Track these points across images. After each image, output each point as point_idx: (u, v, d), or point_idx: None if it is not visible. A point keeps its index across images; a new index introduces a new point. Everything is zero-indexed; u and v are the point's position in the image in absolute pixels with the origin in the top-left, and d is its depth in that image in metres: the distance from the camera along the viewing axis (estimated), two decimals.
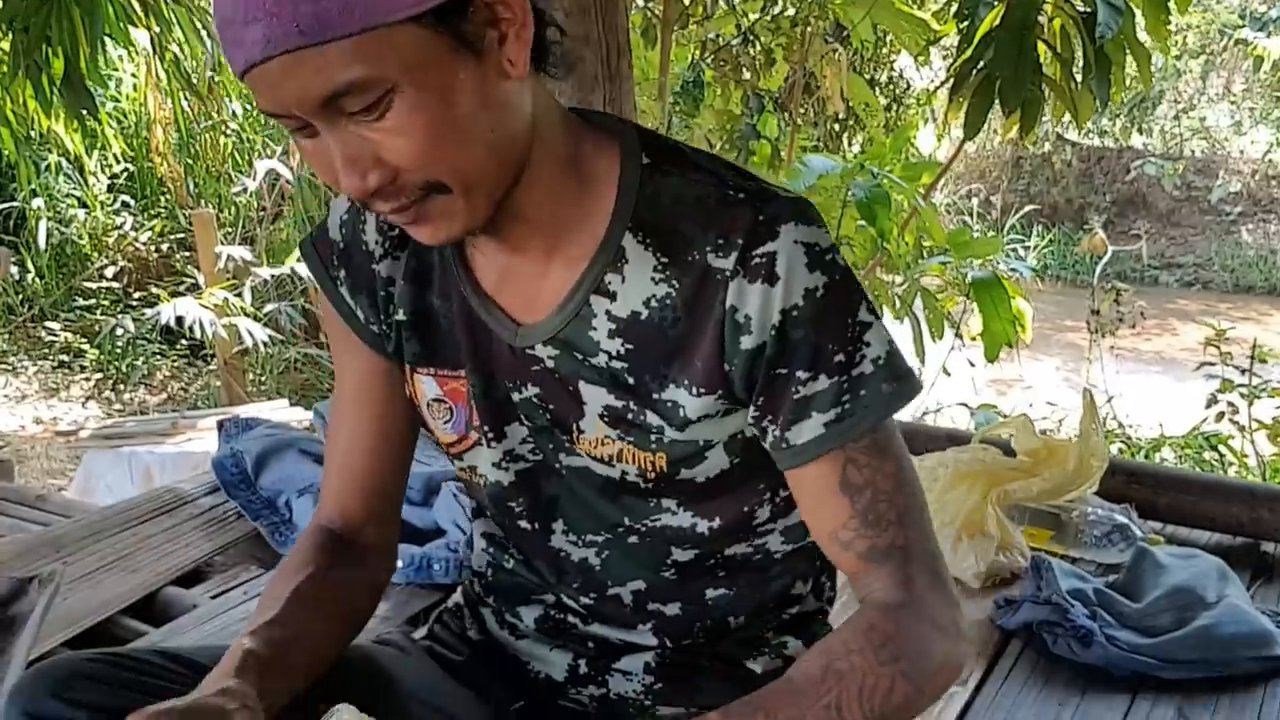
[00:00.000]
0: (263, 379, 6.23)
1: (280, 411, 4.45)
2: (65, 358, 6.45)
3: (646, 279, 0.97)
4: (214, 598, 1.99)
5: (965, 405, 4.47)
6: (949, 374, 4.14)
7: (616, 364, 1.00)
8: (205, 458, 3.73)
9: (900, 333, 3.94)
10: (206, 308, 5.60)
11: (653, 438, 1.01)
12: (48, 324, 6.58)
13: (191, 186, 7.14)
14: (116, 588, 1.96)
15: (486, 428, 1.08)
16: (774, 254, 0.92)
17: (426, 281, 1.07)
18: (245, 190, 6.45)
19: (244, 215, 6.78)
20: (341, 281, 1.11)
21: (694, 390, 0.98)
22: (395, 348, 1.11)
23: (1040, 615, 1.90)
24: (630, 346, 0.98)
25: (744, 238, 0.93)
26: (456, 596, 1.32)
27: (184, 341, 6.35)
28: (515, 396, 1.05)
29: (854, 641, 0.93)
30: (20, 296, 6.73)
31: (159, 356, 6.45)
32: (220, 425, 2.50)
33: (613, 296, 0.98)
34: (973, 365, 4.23)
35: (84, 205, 6.96)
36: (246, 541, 2.18)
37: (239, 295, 5.81)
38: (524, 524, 1.12)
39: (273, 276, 5.96)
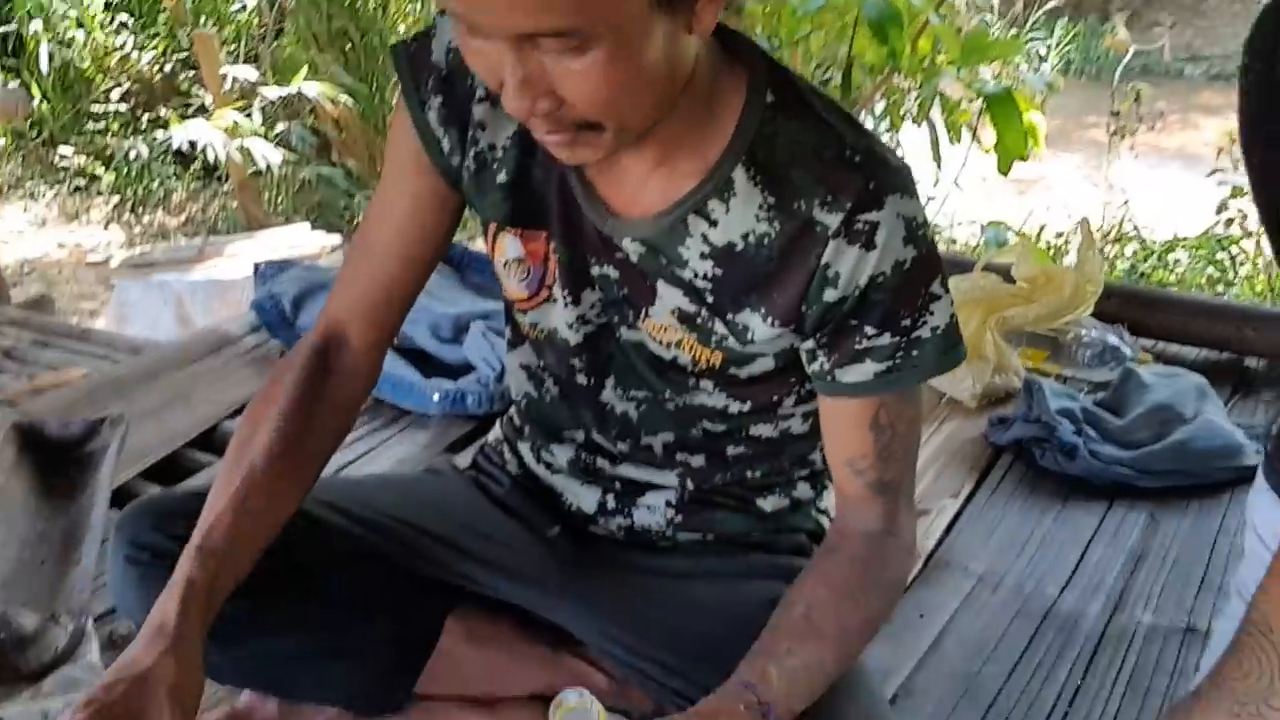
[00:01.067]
0: (279, 199, 6.28)
1: (303, 235, 4.56)
2: (81, 182, 6.49)
3: (750, 215, 1.02)
4: None
5: (975, 223, 4.54)
6: (960, 188, 4.18)
7: (700, 282, 1.06)
8: (233, 285, 3.87)
9: (918, 138, 4.01)
10: (217, 130, 5.62)
11: (714, 339, 1.10)
12: (60, 148, 6.60)
13: (189, 3, 7.02)
14: (179, 423, 2.12)
15: (566, 290, 1.14)
16: (877, 224, 0.98)
17: (532, 145, 1.08)
18: (244, 7, 6.35)
19: (245, 33, 6.69)
20: (432, 106, 1.12)
21: (768, 320, 1.05)
22: (471, 200, 1.15)
23: (1030, 432, 2.07)
24: (719, 272, 1.05)
25: (852, 201, 0.98)
26: (496, 432, 1.44)
27: (197, 164, 6.38)
28: (594, 271, 1.12)
29: (848, 572, 1.09)
30: (28, 121, 6.72)
31: (174, 179, 6.50)
32: (255, 269, 2.61)
33: (713, 222, 1.03)
34: (985, 180, 4.27)
35: (81, 25, 6.86)
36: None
37: (248, 116, 5.81)
38: (580, 378, 1.20)
39: (280, 97, 5.92)
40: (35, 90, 6.66)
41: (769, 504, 1.29)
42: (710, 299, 1.06)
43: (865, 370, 1.04)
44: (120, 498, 1.85)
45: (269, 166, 5.58)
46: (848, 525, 1.13)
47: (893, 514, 1.12)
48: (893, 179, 1.00)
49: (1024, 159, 3.90)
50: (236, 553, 1.06)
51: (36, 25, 6.61)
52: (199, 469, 2.01)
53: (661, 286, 1.08)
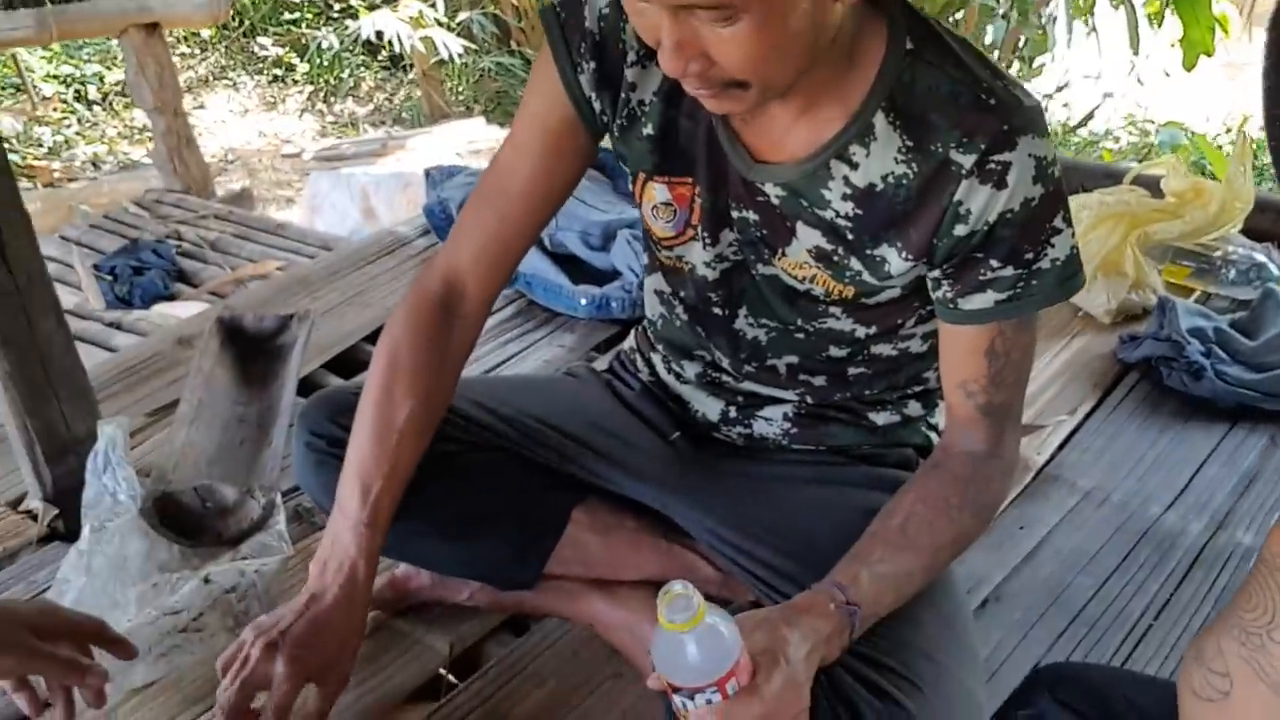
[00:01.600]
0: (459, 88, 6.52)
1: (478, 129, 4.78)
2: (278, 71, 6.89)
3: (890, 158, 1.07)
4: None
5: (1151, 122, 4.37)
6: (1142, 83, 4.02)
7: (841, 221, 1.12)
8: (413, 179, 4.12)
9: (1115, 21, 3.86)
10: (402, 21, 5.85)
11: (848, 275, 1.17)
12: (260, 39, 6.99)
13: None
14: (356, 319, 2.36)
15: (706, 232, 1.22)
16: (1009, 164, 1.02)
17: (677, 100, 1.15)
18: None
19: None
20: (585, 70, 1.17)
21: (903, 255, 1.11)
22: (623, 154, 1.23)
23: (1159, 351, 2.09)
24: (860, 212, 1.10)
25: (987, 143, 1.02)
26: (631, 340, 1.57)
27: (384, 53, 6.67)
28: (734, 214, 1.19)
29: (948, 490, 1.16)
30: (231, 12, 7.12)
31: (363, 69, 6.82)
32: (426, 174, 2.81)
33: (854, 165, 1.08)
34: (1168, 75, 4.10)
35: None
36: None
37: (432, 5, 6.01)
38: (716, 310, 1.29)
39: None
40: None
41: (881, 419, 1.39)
42: (850, 236, 1.13)
43: (986, 299, 1.10)
44: (305, 386, 2.11)
45: (450, 56, 5.80)
46: (954, 444, 1.21)
47: (998, 437, 1.18)
48: (1026, 120, 1.04)
49: (1210, 54, 3.74)
50: (392, 495, 1.27)
51: None
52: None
53: (801, 227, 1.15)
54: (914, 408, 1.40)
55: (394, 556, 1.58)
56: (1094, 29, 4.21)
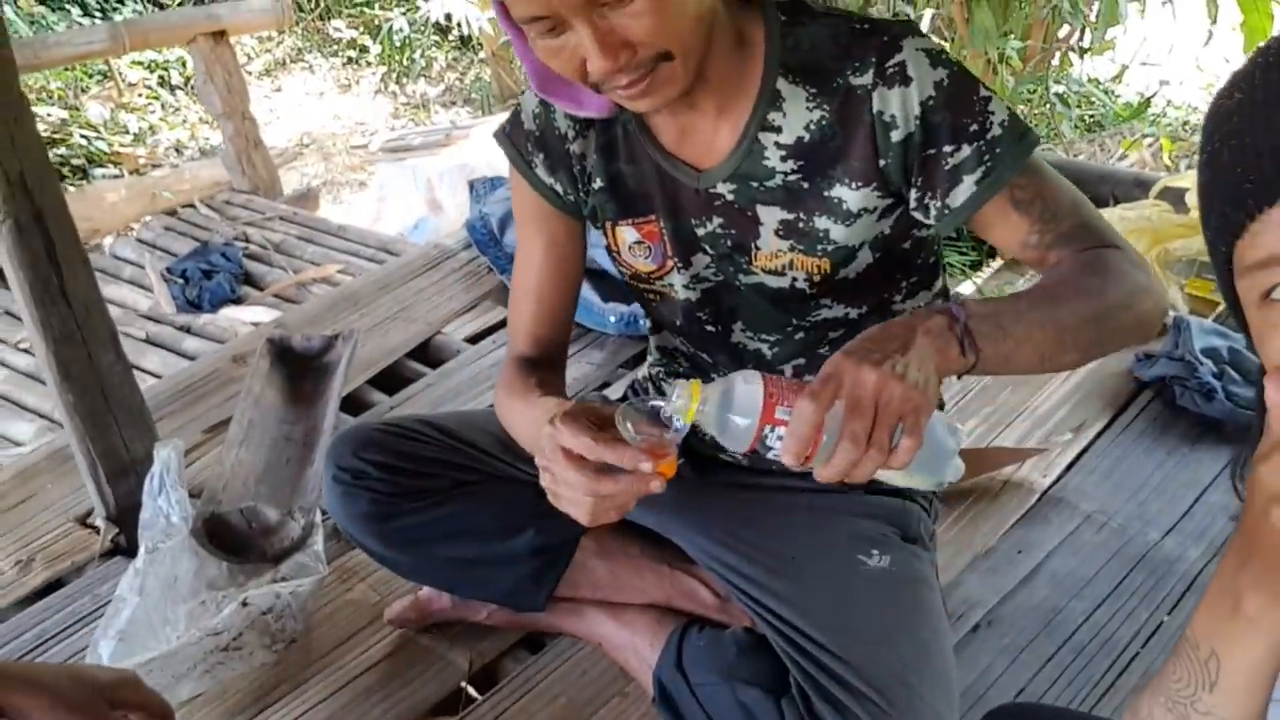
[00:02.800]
0: None
1: None
2: (352, 53, 7.04)
3: (802, 109, 1.19)
4: (471, 341, 2.50)
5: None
6: (1201, 70, 3.94)
7: (791, 177, 1.22)
8: (473, 170, 4.23)
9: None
10: (471, 3, 5.94)
11: (819, 245, 1.25)
12: (334, 22, 7.14)
13: None
14: (400, 335, 2.49)
15: (676, 258, 1.34)
16: (903, 62, 1.14)
17: (614, 153, 1.31)
18: None
19: None
20: (538, 164, 1.35)
21: (854, 185, 1.20)
22: (591, 211, 1.39)
23: (1173, 370, 2.12)
24: (801, 162, 1.21)
25: (876, 56, 1.15)
26: (645, 369, 1.67)
27: (454, 35, 6.78)
28: (700, 231, 1.30)
29: (1066, 267, 1.14)
30: (293, 15, 7.28)
31: (434, 49, 6.94)
32: (471, 186, 2.92)
33: (778, 130, 1.21)
34: (1228, 62, 4.02)
35: None
36: (496, 291, 2.66)
37: None
38: (709, 328, 1.40)
39: None
40: None
41: None
42: (805, 185, 1.22)
43: (967, 186, 1.16)
44: (351, 403, 2.25)
45: None
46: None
47: (1101, 242, 1.16)
48: (900, 29, 1.16)
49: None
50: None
51: None
52: (415, 378, 2.38)
53: (760, 210, 1.25)
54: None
55: (415, 580, 1.71)
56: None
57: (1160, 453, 2.04)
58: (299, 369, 2.29)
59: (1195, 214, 2.40)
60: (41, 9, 6.75)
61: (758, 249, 1.28)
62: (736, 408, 0.97)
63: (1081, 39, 4.51)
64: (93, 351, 1.90)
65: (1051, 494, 1.96)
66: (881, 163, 1.18)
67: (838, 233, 1.24)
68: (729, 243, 1.29)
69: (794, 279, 1.29)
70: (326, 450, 1.60)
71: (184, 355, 2.89)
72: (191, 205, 4.02)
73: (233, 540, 1.86)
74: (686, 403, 0.99)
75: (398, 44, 6.75)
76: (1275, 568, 0.64)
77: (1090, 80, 4.77)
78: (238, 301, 3.26)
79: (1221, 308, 2.37)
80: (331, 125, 6.29)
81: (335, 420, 2.12)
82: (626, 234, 1.36)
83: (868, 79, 1.15)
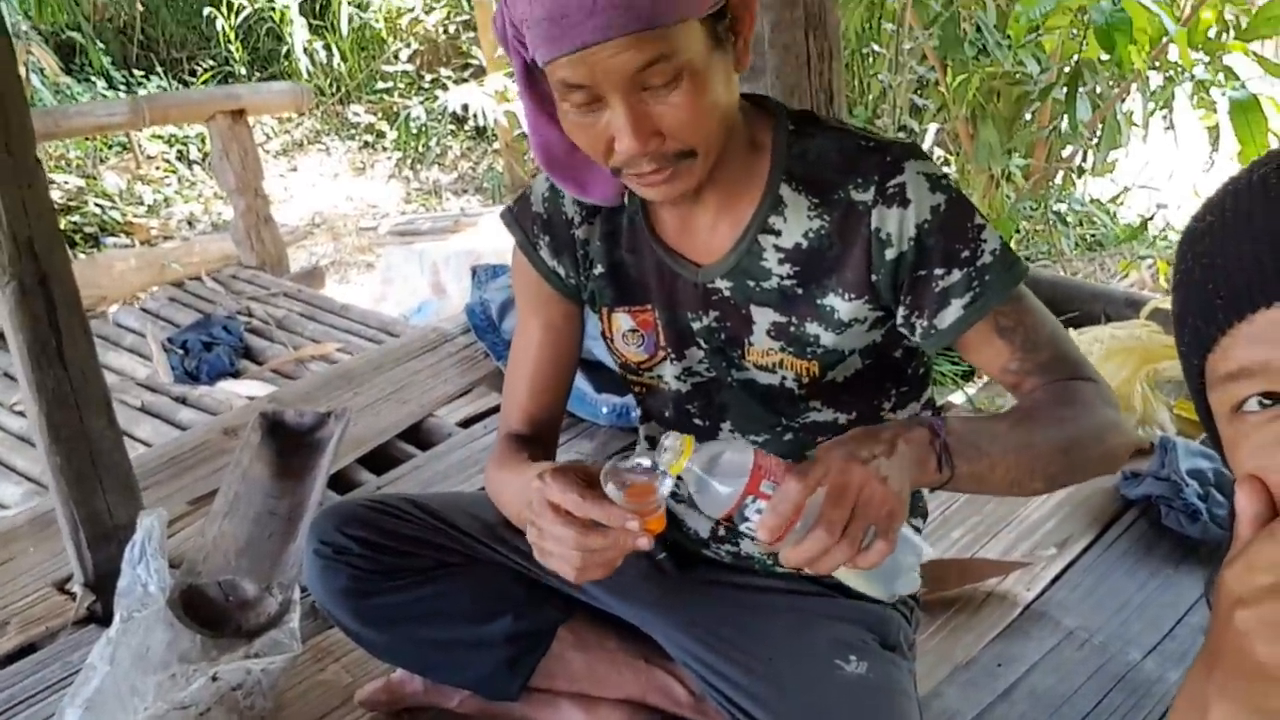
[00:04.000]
0: None
1: None
2: (369, 138, 7.17)
3: (803, 217, 1.23)
4: (463, 425, 2.51)
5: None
6: (1199, 195, 4.01)
7: (786, 281, 1.25)
8: (479, 256, 4.29)
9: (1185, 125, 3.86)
10: (488, 95, 6.08)
11: (808, 349, 1.27)
12: (353, 107, 7.30)
13: None
14: (392, 416, 2.51)
15: (670, 350, 1.35)
16: (904, 184, 1.17)
17: (616, 240, 1.34)
18: None
19: None
20: (543, 246, 1.37)
21: (846, 296, 1.23)
22: (590, 296, 1.40)
23: (1158, 490, 2.12)
24: (797, 268, 1.24)
25: (879, 175, 1.18)
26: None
27: (469, 124, 6.91)
28: (695, 325, 1.32)
29: (1041, 396, 1.19)
30: (329, 79, 7.45)
31: (450, 138, 7.08)
32: (473, 272, 2.97)
33: (778, 234, 1.24)
34: None
35: None
36: (491, 377, 2.68)
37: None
38: (697, 421, 1.39)
39: None
40: (335, 51, 7.39)
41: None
42: (799, 292, 1.25)
43: (955, 309, 1.19)
44: (338, 481, 2.25)
45: None
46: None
47: (1075, 377, 1.21)
48: (904, 150, 1.20)
49: None
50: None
51: None
52: (404, 459, 2.39)
53: (754, 310, 1.28)
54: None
55: (390, 661, 1.70)
56: (1172, 125, 4.23)
57: (1144, 572, 2.03)
58: (289, 444, 2.30)
59: None
60: (68, 79, 6.91)
61: (750, 345, 1.30)
62: (723, 471, 0.99)
63: (1084, 160, 4.61)
64: (85, 415, 1.91)
65: (1034, 608, 1.95)
66: (874, 277, 1.21)
67: (828, 339, 1.26)
68: (723, 336, 1.31)
69: (784, 378, 1.31)
70: (309, 524, 1.60)
71: (177, 425, 2.90)
72: (199, 278, 4.07)
73: (209, 613, 1.85)
74: (676, 454, 1.00)
75: (414, 131, 6.88)
76: (1240, 675, 0.64)
77: (1091, 200, 4.85)
78: (235, 375, 3.28)
79: None
80: (344, 206, 6.39)
81: (322, 497, 2.13)
82: (622, 320, 1.38)
83: (869, 196, 1.19)
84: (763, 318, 1.28)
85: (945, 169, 1.19)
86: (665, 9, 1.03)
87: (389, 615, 1.54)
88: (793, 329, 1.27)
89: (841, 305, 1.24)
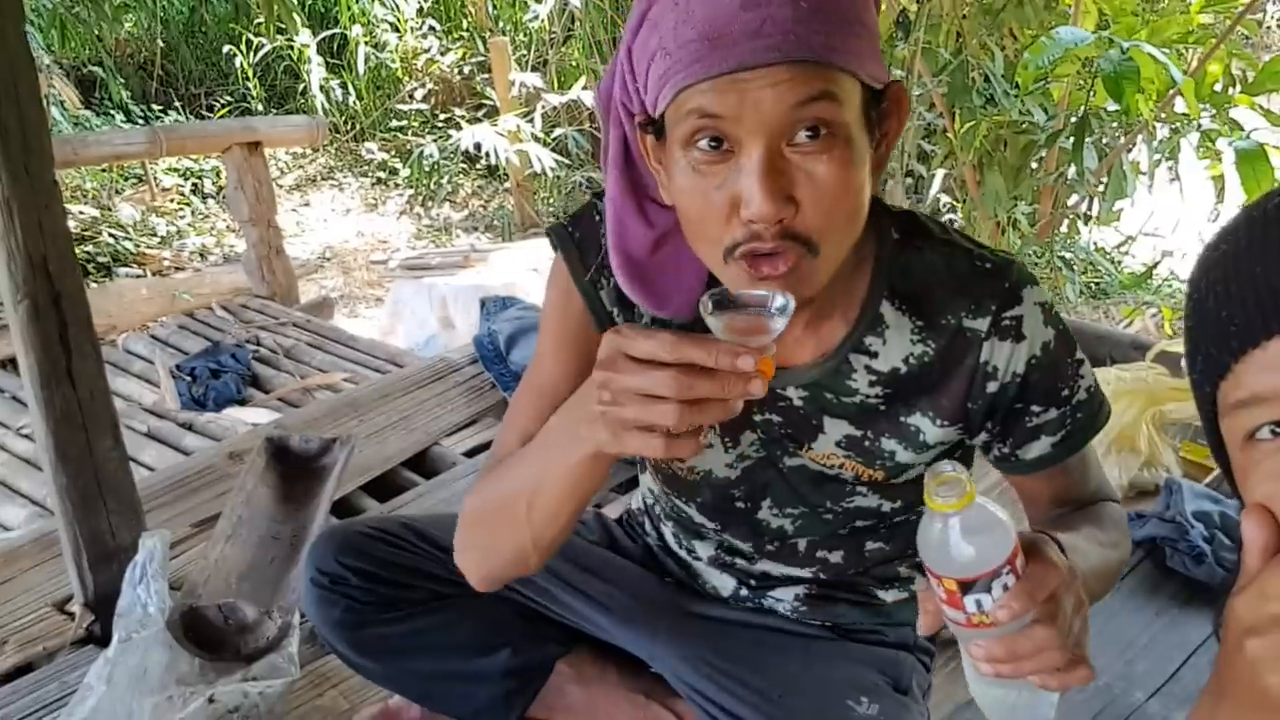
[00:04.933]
0: (550, 200, 6.78)
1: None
2: (382, 174, 7.23)
3: (905, 340, 1.14)
4: (468, 455, 2.51)
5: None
6: (1204, 243, 4.03)
7: (872, 400, 1.17)
8: (488, 291, 4.30)
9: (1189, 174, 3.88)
10: (501, 135, 6.14)
11: (879, 460, 1.21)
12: (367, 144, 7.37)
13: (490, 9, 7.65)
14: (398, 444, 2.51)
15: (726, 438, 1.24)
16: (1021, 316, 1.11)
17: (687, 325, 1.15)
18: (537, 17, 6.84)
19: (536, 39, 7.21)
20: (604, 286, 1.20)
21: (938, 421, 1.17)
22: None
23: (1163, 532, 2.12)
24: (889, 392, 1.17)
25: (996, 303, 1.11)
26: (638, 501, 1.62)
27: (482, 163, 6.97)
28: (756, 417, 1.22)
29: (1095, 518, 1.19)
30: (344, 117, 7.53)
31: (461, 176, 7.13)
32: (481, 303, 2.98)
33: (873, 355, 1.15)
34: None
35: (395, 30, 7.61)
36: (497, 407, 2.68)
37: (530, 120, 6.30)
38: (739, 504, 1.32)
39: (561, 103, 6.36)
40: (351, 89, 7.47)
41: (890, 596, 1.44)
42: (883, 408, 1.18)
43: (1043, 445, 1.17)
44: (341, 508, 2.25)
45: (544, 169, 6.06)
46: None
47: (1109, 495, 1.26)
48: (1021, 275, 1.13)
49: None
50: None
51: (357, 30, 7.40)
52: (408, 487, 2.39)
53: (827, 421, 1.20)
54: (920, 582, 1.44)
55: (388, 688, 1.69)
56: (1177, 176, 4.25)
57: (1149, 613, 2.02)
58: (294, 470, 2.30)
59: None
60: (87, 113, 6.99)
61: (811, 448, 1.24)
62: (991, 532, 0.84)
63: (1090, 208, 4.63)
64: (92, 436, 1.92)
65: None
66: (970, 405, 1.17)
67: (904, 455, 1.21)
68: (783, 432, 1.24)
69: (840, 474, 1.25)
70: (307, 551, 1.59)
71: (182, 451, 2.91)
72: (209, 307, 4.10)
73: (208, 635, 1.85)
74: (959, 494, 0.83)
75: (426, 169, 6.93)
76: (1249, 704, 0.64)
77: (1097, 248, 4.87)
78: (242, 403, 3.29)
79: (1216, 472, 2.37)
80: (355, 241, 6.43)
81: (325, 523, 2.12)
82: None
83: (982, 326, 1.12)
84: (834, 429, 1.21)
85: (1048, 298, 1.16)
86: (838, 47, 0.92)
87: (386, 646, 1.52)
88: (867, 444, 1.21)
89: (929, 428, 1.19)
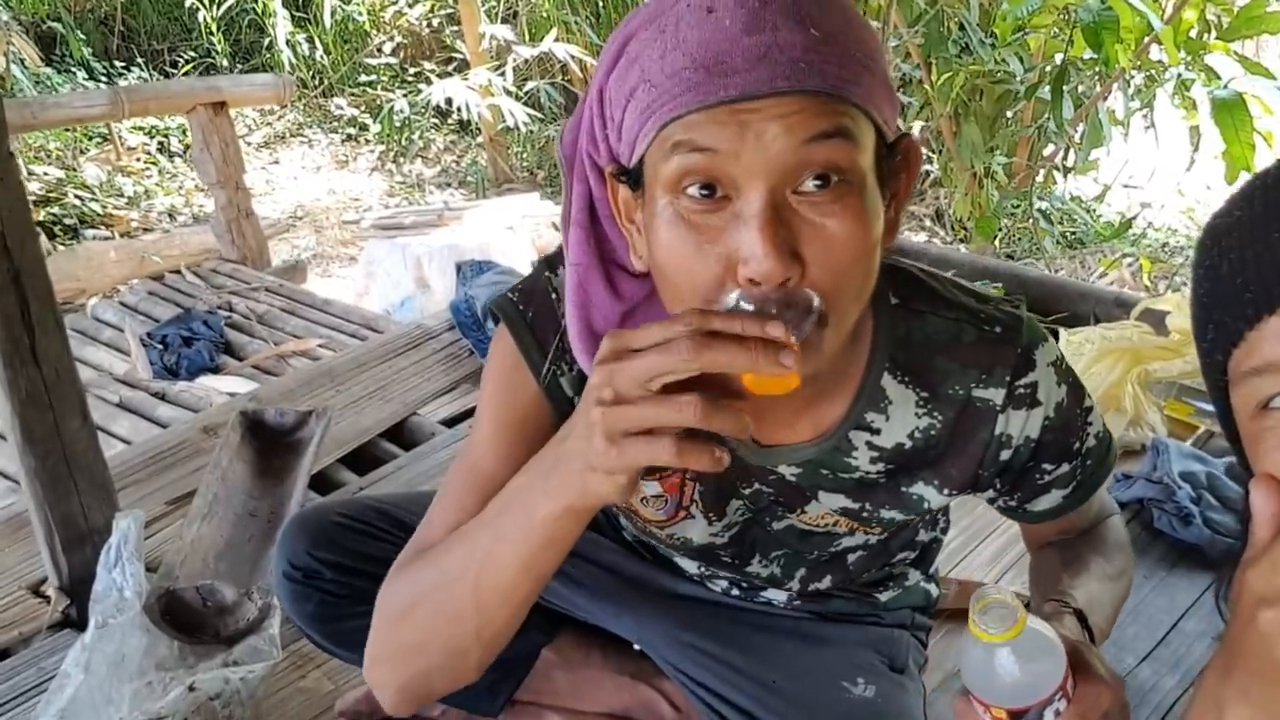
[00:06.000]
0: (524, 154, 6.69)
1: (533, 204, 4.90)
2: (352, 131, 7.12)
3: (910, 414, 1.06)
4: (447, 424, 2.47)
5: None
6: (1182, 194, 4.03)
7: (871, 475, 1.10)
8: (463, 251, 4.24)
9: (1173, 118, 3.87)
10: (471, 89, 6.03)
11: (874, 523, 1.16)
12: (336, 99, 7.24)
13: None
14: (375, 415, 2.47)
15: (711, 514, 1.17)
16: (1036, 383, 1.04)
17: None
18: None
19: None
20: (565, 373, 1.07)
21: (944, 491, 1.11)
22: None
23: (1150, 493, 2.11)
24: (892, 467, 1.09)
25: (1010, 372, 1.04)
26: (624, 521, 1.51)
27: (453, 118, 6.87)
28: (745, 490, 1.15)
29: (1084, 544, 1.19)
30: (311, 71, 7.39)
31: (433, 131, 7.03)
32: (458, 268, 2.93)
33: (875, 432, 1.06)
34: (1209, 189, 4.11)
35: None
36: (474, 374, 2.64)
37: (501, 74, 6.20)
38: (725, 559, 1.27)
39: (533, 56, 6.25)
40: (318, 43, 7.33)
41: (884, 595, 1.41)
42: (882, 481, 1.11)
43: (1053, 498, 1.13)
44: (319, 481, 2.21)
45: (516, 124, 5.97)
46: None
47: (1099, 519, 1.24)
48: (1030, 335, 1.05)
49: (1250, 171, 3.74)
50: None
51: None
52: (387, 459, 2.35)
53: (823, 494, 1.13)
54: (914, 576, 1.43)
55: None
56: (1153, 124, 4.22)
57: (1137, 576, 2.00)
58: (270, 444, 2.26)
59: (1176, 336, 2.42)
60: (48, 70, 6.83)
61: (803, 513, 1.17)
62: (1040, 663, 0.80)
63: (1066, 158, 4.61)
64: (59, 416, 1.87)
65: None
66: (981, 472, 1.10)
67: (902, 518, 1.17)
68: (775, 499, 1.16)
69: (832, 532, 1.20)
70: (278, 539, 1.52)
71: (156, 422, 2.85)
72: (179, 271, 4.02)
73: (187, 618, 1.81)
74: (1009, 623, 0.78)
75: (398, 124, 6.83)
76: (1260, 675, 0.62)
77: (1073, 198, 4.85)
78: (215, 371, 3.23)
79: (1201, 431, 2.37)
80: (326, 200, 6.33)
81: (303, 498, 2.09)
82: (646, 487, 1.17)
83: (998, 397, 1.05)
84: (830, 501, 1.14)
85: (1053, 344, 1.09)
86: (852, 78, 0.81)
87: (362, 638, 1.47)
88: (864, 514, 1.15)
89: (934, 497, 1.13)
